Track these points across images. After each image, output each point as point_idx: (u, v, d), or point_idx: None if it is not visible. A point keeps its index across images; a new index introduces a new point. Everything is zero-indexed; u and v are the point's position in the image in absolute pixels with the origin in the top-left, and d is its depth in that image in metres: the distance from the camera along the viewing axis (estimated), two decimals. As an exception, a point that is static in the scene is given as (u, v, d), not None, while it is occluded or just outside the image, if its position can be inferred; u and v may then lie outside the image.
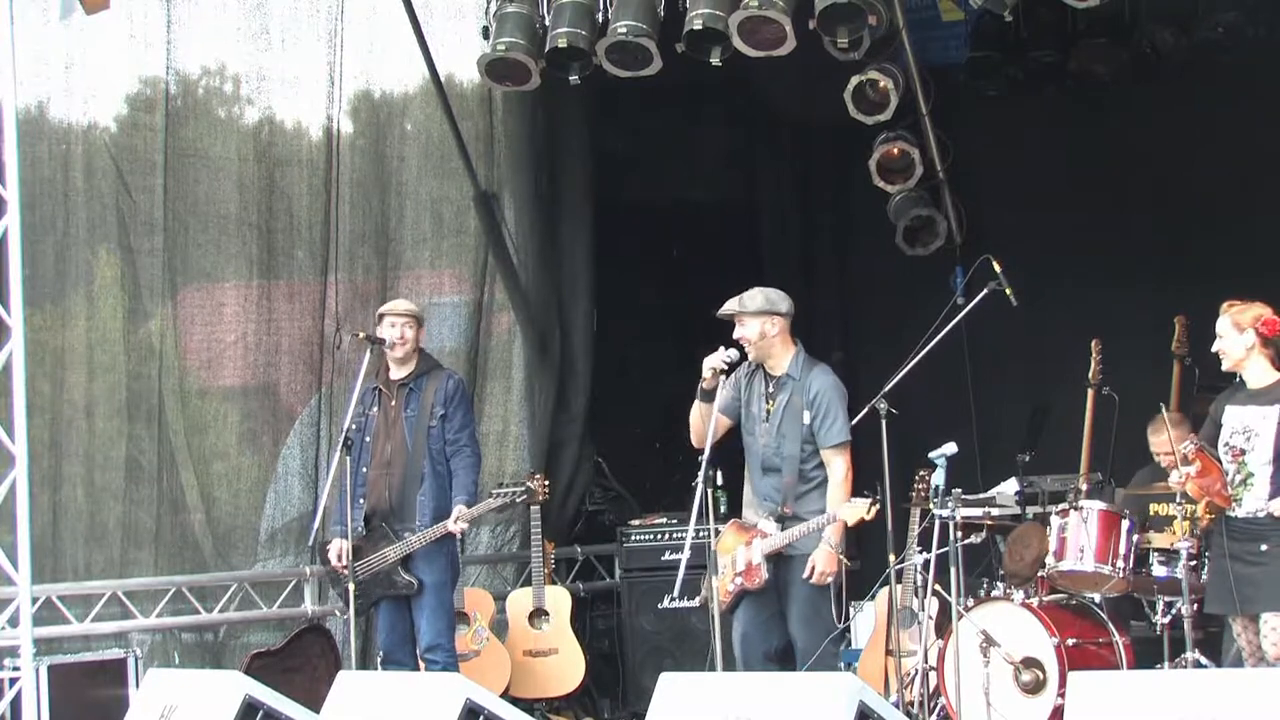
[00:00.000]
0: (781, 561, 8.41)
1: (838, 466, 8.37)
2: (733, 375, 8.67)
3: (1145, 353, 9.93)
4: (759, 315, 8.48)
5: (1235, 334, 7.58)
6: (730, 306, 8.54)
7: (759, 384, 8.61)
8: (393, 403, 9.22)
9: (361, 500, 9.16)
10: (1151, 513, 9.08)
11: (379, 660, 9.31)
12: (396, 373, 9.27)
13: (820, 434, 8.38)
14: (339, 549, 9.09)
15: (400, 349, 9.18)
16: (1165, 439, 9.14)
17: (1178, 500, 8.30)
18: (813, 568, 8.23)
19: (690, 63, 9.54)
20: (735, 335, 8.55)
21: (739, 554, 8.48)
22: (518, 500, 9.75)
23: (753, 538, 8.46)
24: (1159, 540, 8.75)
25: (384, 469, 9.22)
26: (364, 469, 9.17)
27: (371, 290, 10.93)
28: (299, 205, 10.70)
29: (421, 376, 9.26)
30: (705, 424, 8.32)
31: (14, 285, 8.74)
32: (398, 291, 11.01)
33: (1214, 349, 7.65)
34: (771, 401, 8.53)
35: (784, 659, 8.46)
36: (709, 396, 8.40)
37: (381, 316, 9.25)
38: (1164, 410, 8.61)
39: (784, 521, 8.42)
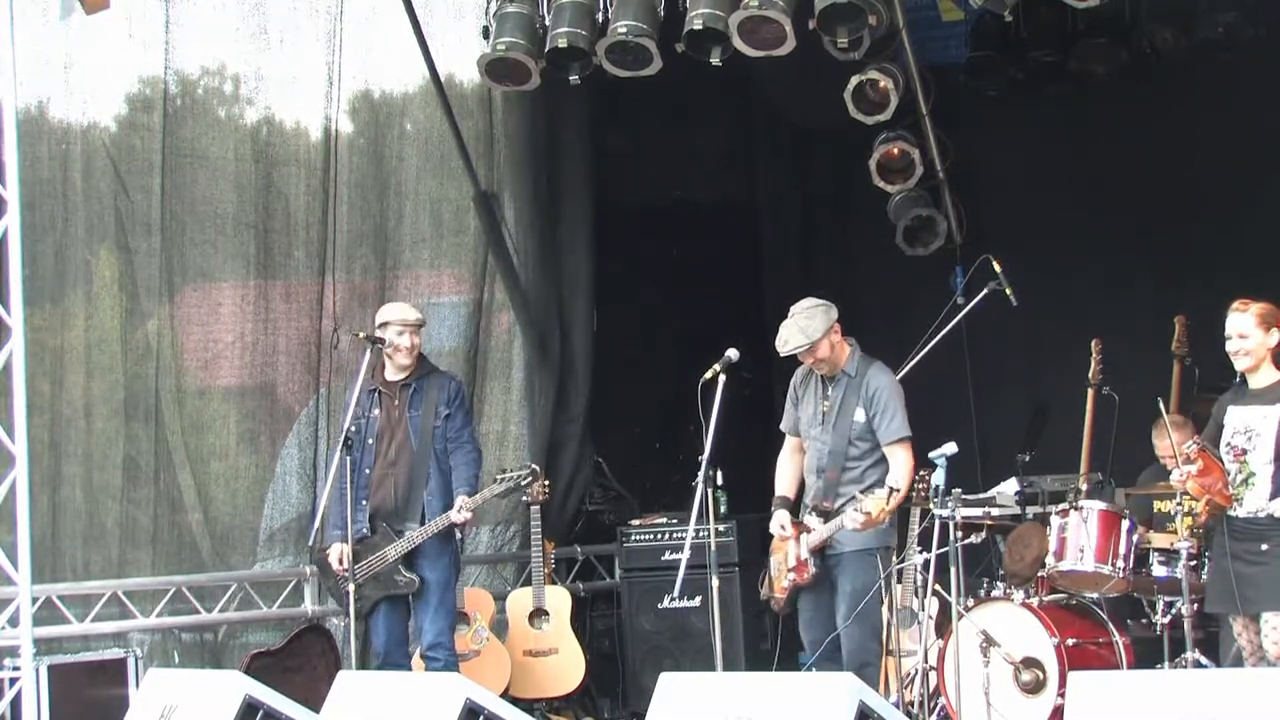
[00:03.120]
0: (831, 559, 8.41)
1: (899, 460, 8.39)
2: (790, 390, 8.76)
3: (1145, 353, 9.93)
4: (825, 336, 8.51)
5: (1260, 333, 7.52)
6: (797, 344, 8.52)
7: (814, 387, 8.64)
8: (395, 403, 9.22)
9: (364, 502, 9.15)
10: (1155, 509, 9.09)
11: (376, 665, 9.30)
12: (395, 374, 9.27)
13: (880, 430, 8.43)
14: (339, 553, 9.07)
15: (408, 356, 9.20)
16: (1169, 441, 9.16)
17: (1178, 500, 8.30)
18: (867, 515, 8.21)
19: (690, 63, 9.54)
20: (808, 364, 8.58)
21: (789, 550, 8.56)
22: (522, 484, 9.67)
23: (799, 534, 8.54)
24: (1160, 540, 8.75)
25: (389, 469, 9.23)
26: (366, 470, 9.17)
27: (370, 290, 10.92)
28: (297, 205, 10.70)
29: (423, 378, 9.27)
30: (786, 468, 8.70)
31: (14, 285, 8.75)
32: (396, 291, 11.01)
33: (1233, 349, 7.56)
34: (828, 402, 8.57)
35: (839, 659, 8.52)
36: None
37: (387, 324, 9.22)
38: (1164, 413, 8.60)
39: (826, 517, 8.46)
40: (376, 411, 9.23)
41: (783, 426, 8.82)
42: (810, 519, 8.54)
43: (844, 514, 8.34)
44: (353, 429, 9.05)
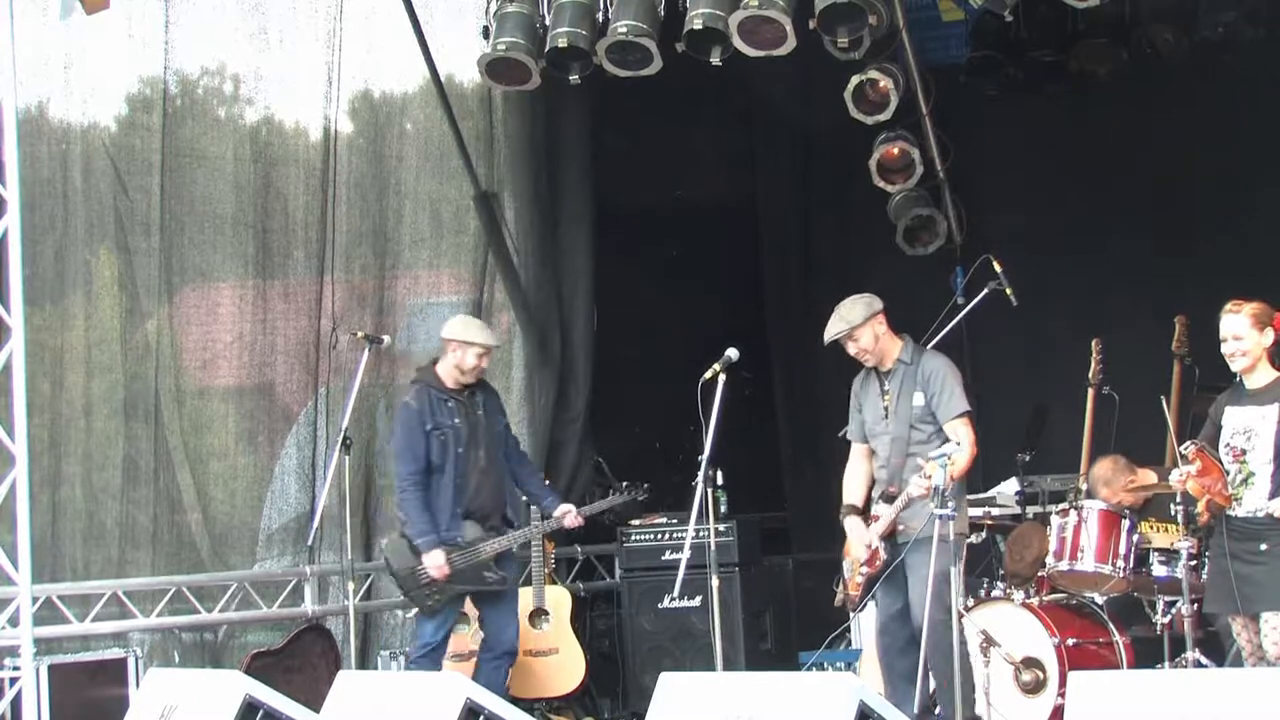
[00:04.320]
0: (904, 546, 8.38)
1: (962, 435, 8.37)
2: (851, 397, 8.77)
3: (1145, 353, 9.92)
4: (868, 323, 8.51)
5: (1255, 334, 7.53)
6: (836, 329, 8.54)
7: (873, 387, 8.64)
8: (473, 411, 9.33)
9: (459, 509, 9.25)
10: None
11: (420, 655, 9.31)
12: (452, 383, 9.33)
13: (939, 410, 8.43)
14: (442, 559, 9.12)
15: (475, 376, 9.32)
16: (1105, 494, 9.12)
17: (1177, 500, 8.29)
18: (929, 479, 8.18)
19: (690, 63, 9.53)
20: (851, 353, 8.58)
21: (861, 543, 8.54)
22: (638, 499, 10.01)
23: (869, 524, 8.52)
24: (1160, 540, 8.75)
25: (483, 476, 9.33)
26: (459, 479, 9.23)
27: (369, 290, 10.93)
28: (296, 205, 10.70)
29: (476, 386, 9.40)
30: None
31: (14, 285, 8.75)
32: (396, 291, 11.02)
33: (1228, 350, 7.56)
34: (887, 395, 8.57)
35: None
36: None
37: (470, 344, 9.27)
38: (1166, 411, 8.64)
39: (892, 501, 8.46)
40: (457, 420, 9.28)
41: (849, 435, 8.78)
42: (878, 507, 8.52)
43: (908, 485, 8.31)
44: (440, 437, 9.17)
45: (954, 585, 8.00)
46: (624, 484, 10.05)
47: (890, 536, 8.46)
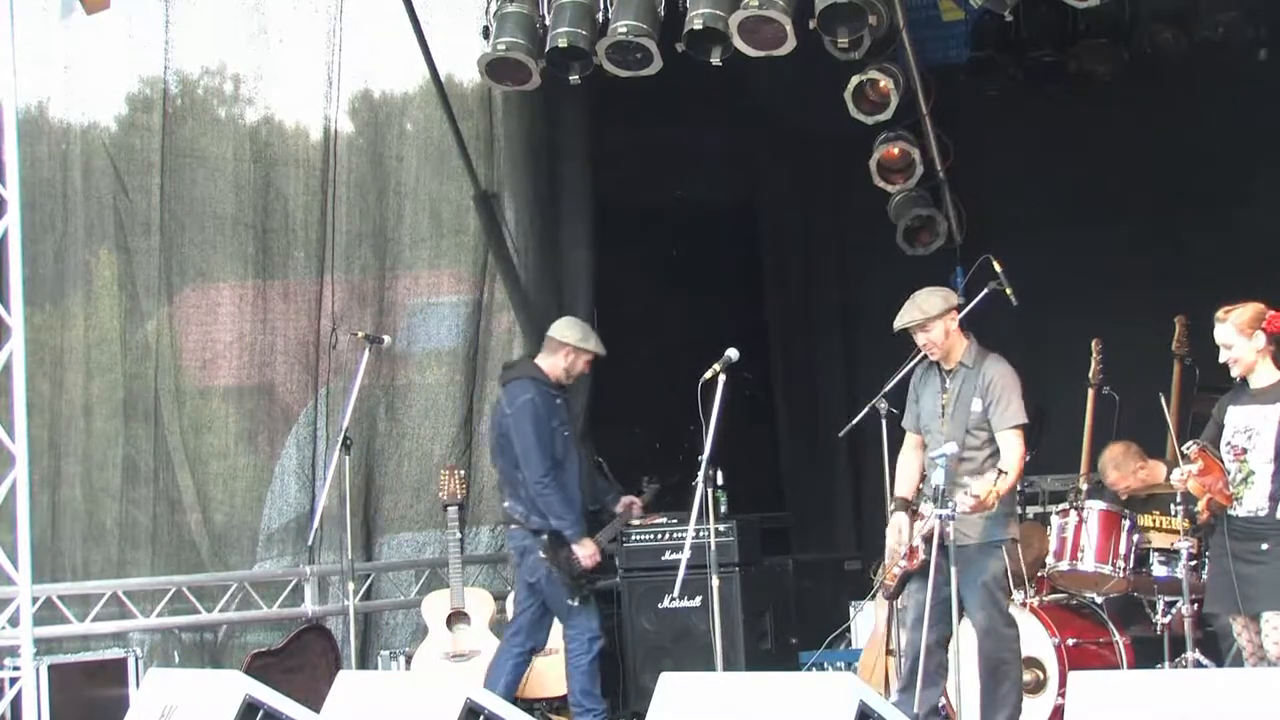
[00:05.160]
0: (956, 551, 8.36)
1: (1013, 446, 8.33)
2: (910, 388, 8.74)
3: (1145, 353, 9.92)
4: (942, 316, 8.48)
5: (1244, 340, 7.54)
6: (911, 316, 8.51)
7: (933, 381, 8.61)
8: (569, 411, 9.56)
9: (584, 500, 9.47)
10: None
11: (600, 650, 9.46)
12: (555, 381, 9.50)
13: (994, 418, 8.37)
14: (594, 548, 9.32)
15: (572, 380, 9.57)
16: (1112, 479, 9.17)
17: (1177, 500, 8.30)
18: (975, 499, 8.18)
19: (690, 63, 9.53)
20: (920, 343, 8.55)
21: (903, 538, 8.49)
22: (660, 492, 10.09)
23: (914, 522, 8.47)
24: (1160, 540, 8.75)
25: (582, 469, 9.53)
26: (579, 473, 9.44)
27: (369, 290, 10.93)
28: (296, 205, 10.70)
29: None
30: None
31: (14, 285, 8.75)
32: (396, 291, 11.02)
33: (1223, 359, 7.58)
34: (946, 394, 8.54)
35: (948, 647, 8.43)
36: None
37: (585, 349, 9.48)
38: (1166, 409, 8.65)
39: (938, 500, 8.43)
40: (565, 416, 9.47)
41: (904, 424, 8.74)
42: (925, 507, 8.49)
43: (955, 498, 8.29)
44: (563, 432, 9.38)
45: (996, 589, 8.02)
46: (646, 477, 10.09)
47: (930, 538, 8.41)
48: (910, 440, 8.68)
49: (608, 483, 9.91)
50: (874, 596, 8.92)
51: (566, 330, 9.50)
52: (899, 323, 8.56)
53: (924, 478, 8.59)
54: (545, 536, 9.27)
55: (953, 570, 7.97)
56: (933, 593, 8.33)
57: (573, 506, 9.29)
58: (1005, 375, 8.47)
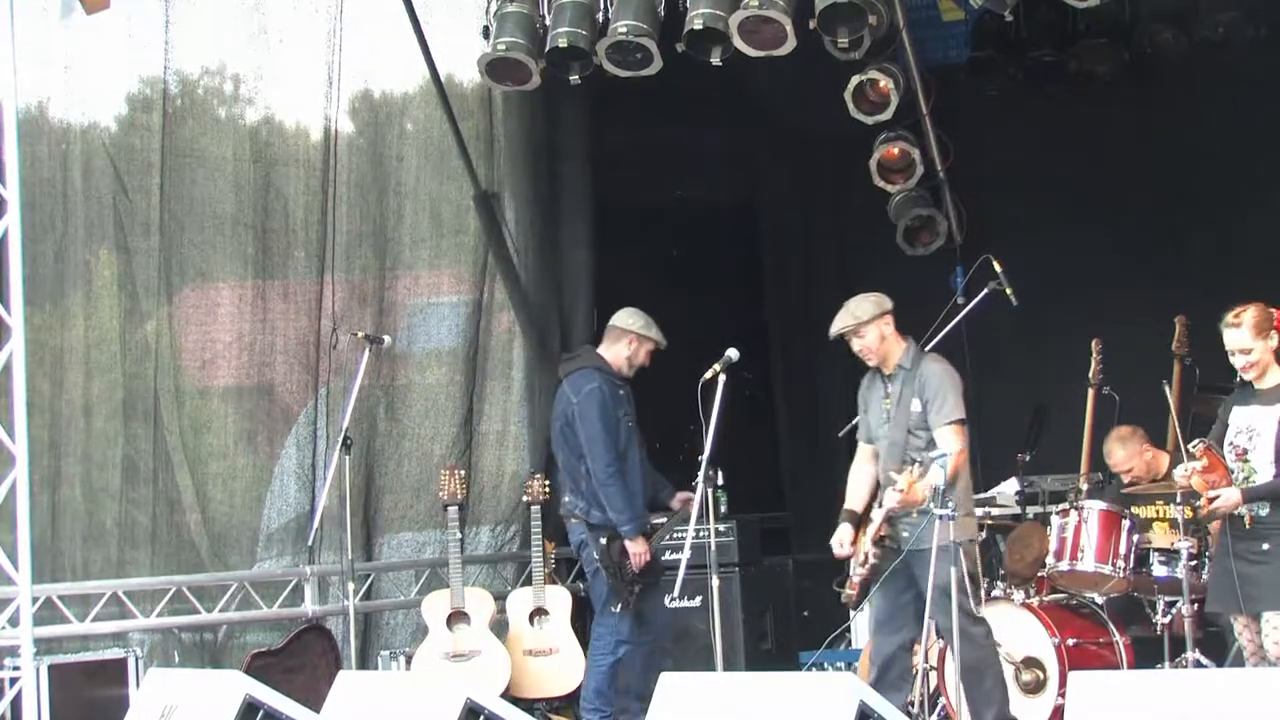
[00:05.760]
0: (913, 557, 8.37)
1: (950, 444, 8.32)
2: (859, 398, 8.75)
3: (1145, 353, 9.92)
4: (875, 320, 8.48)
5: (1262, 342, 7.52)
6: (843, 323, 8.51)
7: (878, 388, 8.61)
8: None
9: (647, 495, 9.42)
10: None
11: (646, 648, 9.38)
12: (618, 372, 9.50)
13: (931, 415, 8.37)
14: (644, 546, 9.22)
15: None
16: (1119, 459, 9.22)
17: (1177, 500, 8.30)
18: (900, 492, 8.21)
19: (690, 63, 9.53)
20: (855, 349, 8.55)
21: (860, 547, 8.52)
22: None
23: (862, 531, 8.50)
24: (1160, 540, 8.76)
25: (643, 463, 9.47)
26: (641, 465, 9.41)
27: (369, 290, 10.93)
28: (296, 205, 10.69)
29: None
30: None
31: (14, 285, 8.74)
32: (396, 291, 11.02)
33: (1239, 364, 7.56)
34: (889, 400, 8.54)
35: (913, 651, 8.51)
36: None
37: (650, 339, 9.46)
38: (1170, 399, 8.67)
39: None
40: (629, 407, 9.42)
41: (858, 435, 8.78)
42: (875, 512, 8.52)
43: (882, 496, 8.30)
44: (628, 422, 9.34)
45: (953, 590, 8.00)
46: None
47: (881, 541, 8.43)
48: (863, 451, 8.69)
49: (662, 477, 9.77)
50: (857, 608, 8.92)
51: (630, 319, 9.49)
52: (833, 330, 8.56)
53: (879, 486, 8.61)
54: (602, 535, 9.26)
55: (939, 569, 7.97)
56: (891, 598, 8.36)
57: (633, 502, 9.26)
58: (941, 373, 8.47)
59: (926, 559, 8.17)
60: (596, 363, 9.44)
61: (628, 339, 9.43)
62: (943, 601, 8.01)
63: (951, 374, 8.50)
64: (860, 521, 8.58)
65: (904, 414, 8.43)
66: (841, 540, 8.53)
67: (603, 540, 9.26)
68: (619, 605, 9.28)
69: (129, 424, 10.14)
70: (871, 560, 8.38)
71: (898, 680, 8.32)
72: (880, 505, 8.46)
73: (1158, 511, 9.01)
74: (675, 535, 10.15)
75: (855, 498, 8.65)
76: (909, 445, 8.40)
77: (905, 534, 8.36)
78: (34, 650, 8.76)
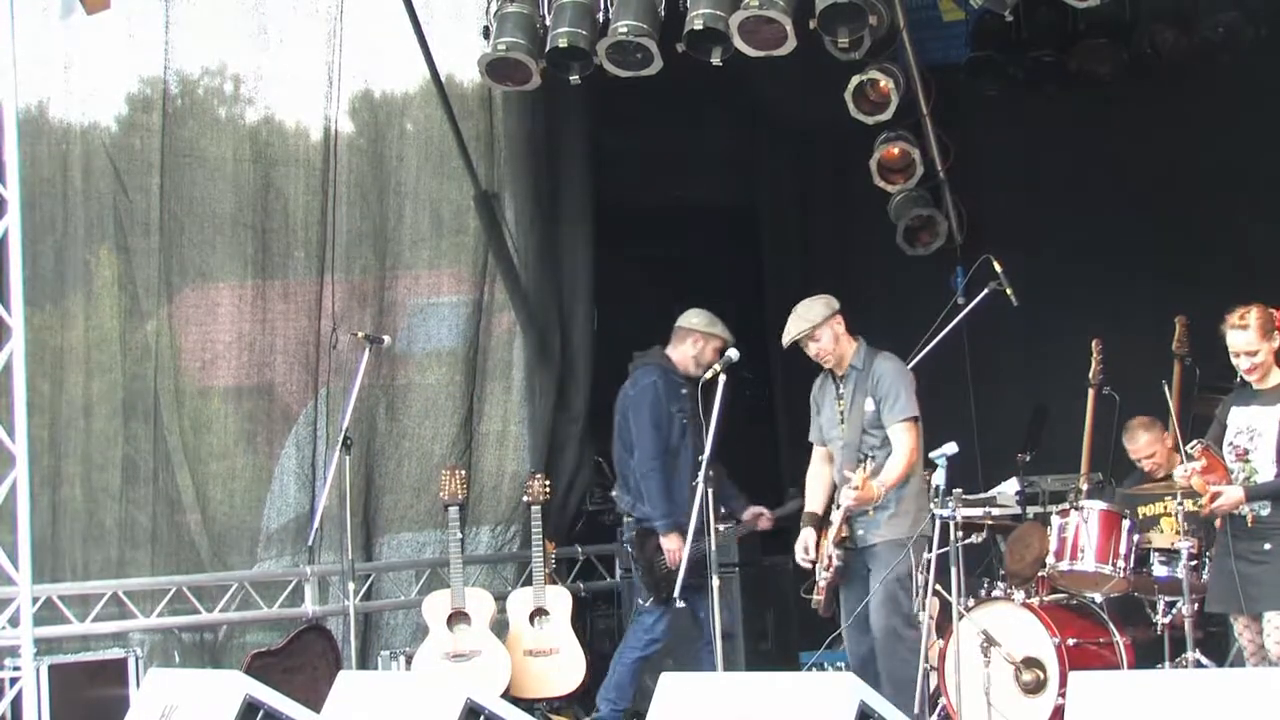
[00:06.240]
0: (866, 554, 8.38)
1: (902, 441, 8.36)
2: (811, 401, 8.76)
3: (1145, 353, 9.92)
4: (827, 322, 8.49)
5: (1267, 343, 7.52)
6: (798, 328, 8.52)
7: (829, 389, 8.63)
8: (695, 403, 9.33)
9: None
10: (1140, 515, 9.11)
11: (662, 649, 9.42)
12: (683, 372, 9.50)
13: (884, 413, 8.42)
14: (679, 543, 9.13)
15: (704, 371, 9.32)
16: (1142, 444, 9.25)
17: (1178, 500, 8.29)
18: (855, 490, 8.26)
19: (690, 63, 9.53)
20: (812, 354, 8.57)
21: (824, 550, 8.55)
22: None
23: (824, 535, 8.55)
24: (1160, 540, 8.75)
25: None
26: (693, 464, 9.24)
27: (369, 290, 10.92)
28: (296, 205, 10.69)
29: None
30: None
31: (14, 285, 8.75)
32: (396, 291, 11.01)
33: (1244, 366, 7.55)
34: (842, 401, 8.55)
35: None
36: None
37: (718, 338, 9.47)
38: (1169, 397, 8.69)
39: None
40: (689, 406, 9.36)
41: (810, 438, 8.80)
42: (834, 514, 8.53)
43: (839, 495, 8.34)
44: (681, 419, 9.36)
45: (914, 589, 8.03)
46: (793, 489, 10.04)
47: (843, 543, 8.46)
48: (818, 453, 8.74)
49: (736, 489, 9.78)
50: (828, 612, 8.94)
51: (693, 318, 9.63)
52: (788, 337, 8.60)
53: (835, 488, 8.63)
54: (635, 528, 9.30)
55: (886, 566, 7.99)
56: (858, 598, 8.40)
57: (671, 497, 9.30)
58: (893, 371, 8.51)
59: (876, 553, 8.24)
60: (660, 361, 9.58)
61: (692, 338, 9.57)
62: (882, 596, 8.08)
63: (903, 372, 8.54)
64: (821, 524, 8.61)
65: (858, 414, 8.46)
66: (806, 545, 8.58)
67: (632, 533, 9.31)
68: (649, 601, 9.34)
69: (129, 424, 10.14)
70: (835, 563, 8.42)
71: (876, 679, 8.33)
72: (838, 506, 8.50)
73: (1165, 508, 9.00)
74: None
75: (814, 501, 8.72)
76: (863, 445, 8.45)
77: (861, 532, 8.43)
78: (34, 650, 8.77)
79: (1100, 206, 11.11)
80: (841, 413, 8.56)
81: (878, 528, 8.42)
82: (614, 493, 9.78)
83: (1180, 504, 8.28)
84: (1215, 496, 7.45)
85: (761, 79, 10.98)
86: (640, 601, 9.43)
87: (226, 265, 10.58)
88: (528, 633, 10.23)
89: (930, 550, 8.52)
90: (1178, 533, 8.44)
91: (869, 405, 8.47)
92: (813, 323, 8.49)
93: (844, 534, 8.43)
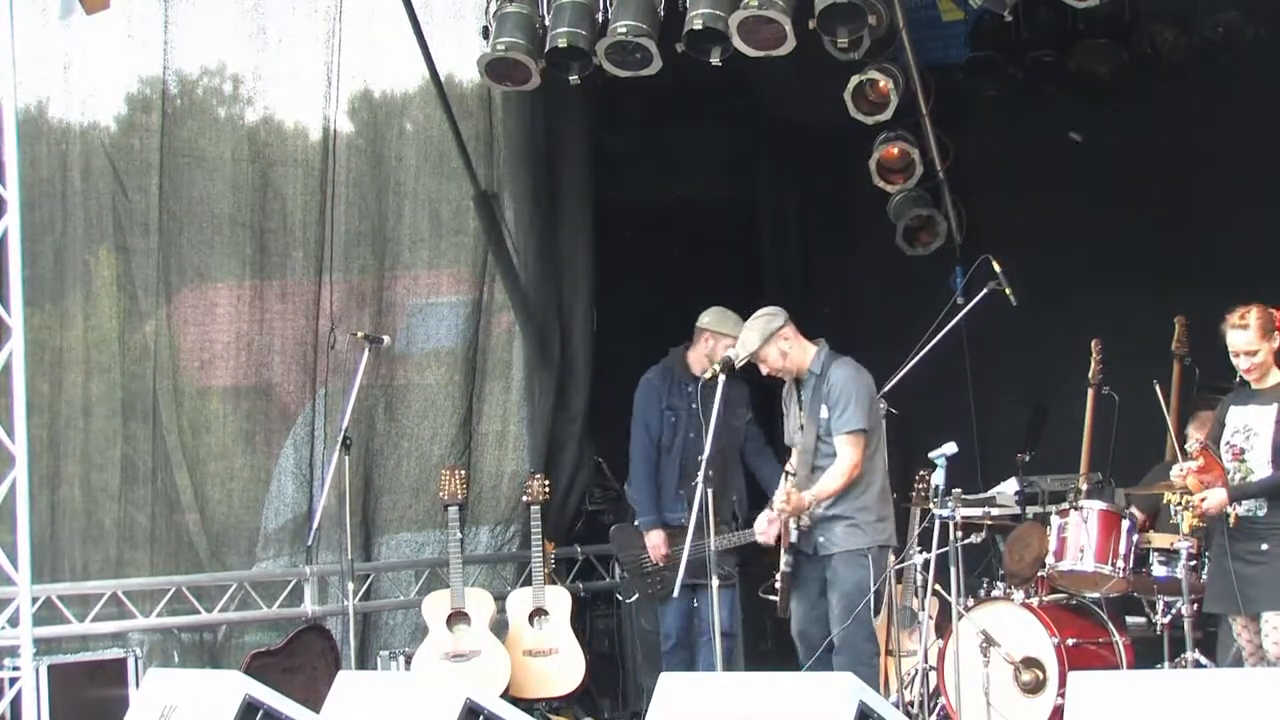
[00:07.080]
0: (824, 562, 8.38)
1: (844, 454, 8.36)
2: (783, 403, 8.79)
3: (1145, 353, 9.92)
4: (767, 344, 8.49)
5: (1266, 344, 7.53)
6: (741, 355, 8.54)
7: (794, 398, 8.63)
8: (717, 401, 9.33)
9: (681, 492, 9.45)
10: (1165, 500, 9.05)
11: (669, 647, 9.45)
12: (699, 371, 9.50)
13: (833, 422, 8.42)
14: (660, 539, 9.33)
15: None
16: (1202, 431, 9.22)
17: (1179, 500, 8.29)
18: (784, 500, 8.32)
19: (690, 63, 9.53)
20: (765, 374, 8.60)
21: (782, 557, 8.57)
22: None
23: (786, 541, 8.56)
24: (1160, 540, 8.76)
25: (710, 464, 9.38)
26: (685, 462, 9.43)
27: (368, 290, 10.92)
28: (295, 205, 10.69)
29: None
30: None
31: (14, 285, 8.75)
32: (395, 291, 11.01)
33: (1244, 366, 7.56)
34: (803, 406, 8.55)
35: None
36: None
37: (721, 336, 9.54)
38: (1160, 397, 8.70)
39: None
40: (694, 405, 9.43)
41: (785, 440, 8.80)
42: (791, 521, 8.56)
43: (773, 497, 8.40)
44: (672, 417, 9.50)
45: (890, 598, 8.05)
46: None
47: (792, 548, 8.48)
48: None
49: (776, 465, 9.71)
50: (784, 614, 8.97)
51: (704, 316, 9.80)
52: (737, 364, 8.58)
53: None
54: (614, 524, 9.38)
55: (845, 575, 7.99)
56: (807, 605, 8.40)
57: (650, 493, 9.32)
58: (846, 380, 8.49)
59: (833, 563, 8.25)
60: (669, 361, 9.79)
61: (704, 336, 9.72)
62: (841, 609, 8.10)
63: (857, 380, 8.52)
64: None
65: (814, 421, 8.48)
66: (762, 528, 8.65)
67: (612, 528, 9.34)
68: (628, 599, 9.38)
69: (128, 424, 10.14)
70: (784, 569, 8.44)
71: None
72: (770, 507, 8.53)
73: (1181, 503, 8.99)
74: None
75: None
76: (819, 453, 8.44)
77: (821, 539, 8.43)
78: (34, 650, 8.77)
79: (1100, 206, 11.10)
80: (801, 419, 8.57)
81: (835, 538, 8.43)
82: (627, 488, 9.95)
83: (1178, 514, 8.27)
84: (1203, 501, 7.46)
85: (761, 79, 10.98)
86: (619, 597, 9.46)
87: (225, 265, 10.58)
88: (527, 633, 10.22)
89: (896, 560, 8.54)
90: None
91: (824, 413, 8.47)
92: (750, 350, 8.50)
93: (790, 539, 8.46)
